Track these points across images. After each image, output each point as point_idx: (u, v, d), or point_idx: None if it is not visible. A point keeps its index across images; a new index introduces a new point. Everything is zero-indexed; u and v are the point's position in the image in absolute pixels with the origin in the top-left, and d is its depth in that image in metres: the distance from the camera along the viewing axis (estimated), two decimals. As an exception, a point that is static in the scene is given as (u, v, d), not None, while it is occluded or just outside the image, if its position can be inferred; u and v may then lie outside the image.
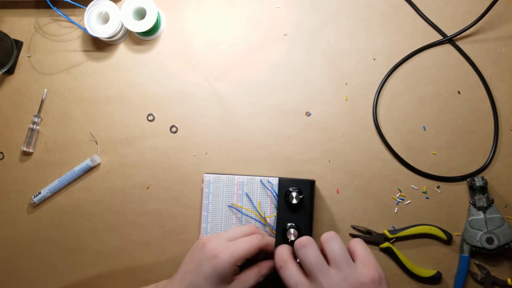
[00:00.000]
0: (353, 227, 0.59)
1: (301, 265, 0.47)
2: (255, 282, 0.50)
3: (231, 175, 0.60)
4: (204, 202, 0.60)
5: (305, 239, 0.48)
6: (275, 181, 0.59)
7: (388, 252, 0.58)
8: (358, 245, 0.48)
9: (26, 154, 0.65)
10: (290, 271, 0.46)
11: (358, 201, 0.60)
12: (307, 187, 0.56)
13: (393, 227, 0.59)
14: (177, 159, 0.63)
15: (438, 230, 0.57)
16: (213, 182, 0.60)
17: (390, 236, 0.58)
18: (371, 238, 0.58)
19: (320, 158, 0.62)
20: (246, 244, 0.49)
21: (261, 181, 0.59)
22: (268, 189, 0.59)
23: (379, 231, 0.59)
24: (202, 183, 0.61)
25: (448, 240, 0.57)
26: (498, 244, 0.55)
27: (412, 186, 0.60)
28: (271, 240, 0.54)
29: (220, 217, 0.60)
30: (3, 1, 0.67)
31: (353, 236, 0.59)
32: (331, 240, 0.47)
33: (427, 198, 0.60)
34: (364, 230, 0.59)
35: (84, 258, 0.63)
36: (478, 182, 0.57)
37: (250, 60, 0.64)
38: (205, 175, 0.60)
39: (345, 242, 0.59)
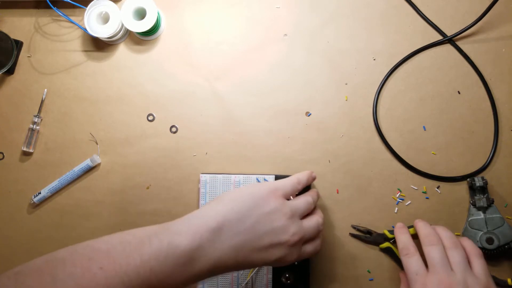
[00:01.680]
0: (353, 227, 0.59)
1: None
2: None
3: (227, 175, 0.60)
4: (201, 202, 0.60)
5: (435, 237, 0.51)
6: (271, 179, 0.59)
7: (388, 252, 0.58)
8: (476, 259, 0.51)
9: (26, 154, 0.65)
10: (416, 261, 0.51)
11: (358, 201, 0.60)
12: None
13: (393, 227, 0.59)
14: (177, 159, 0.63)
15: None
16: (210, 182, 0.60)
17: (390, 236, 0.57)
18: (371, 238, 0.58)
19: (320, 158, 0.62)
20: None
21: (257, 179, 0.59)
22: None
23: (379, 231, 0.59)
24: (199, 183, 0.61)
25: None
26: (498, 244, 0.55)
27: (412, 186, 0.60)
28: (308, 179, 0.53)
29: None
30: (3, 1, 0.67)
31: (353, 236, 0.59)
32: (457, 247, 0.51)
33: (427, 198, 0.60)
34: (364, 230, 0.59)
35: (84, 258, 0.62)
36: (478, 182, 0.57)
37: (250, 60, 0.64)
38: (201, 175, 0.60)
39: (345, 243, 0.59)
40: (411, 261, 0.51)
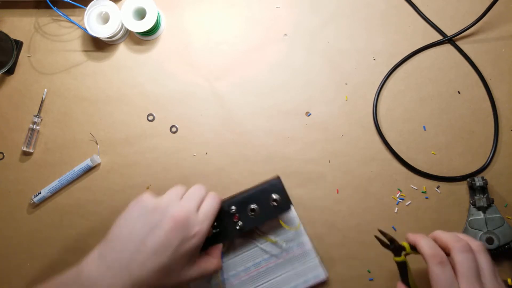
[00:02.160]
0: (380, 231, 0.52)
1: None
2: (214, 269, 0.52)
3: None
4: None
5: (467, 248, 0.46)
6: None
7: (401, 267, 0.50)
8: (486, 265, 0.47)
9: (26, 154, 0.65)
10: (450, 270, 0.44)
11: (358, 201, 0.60)
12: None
13: (393, 227, 0.59)
14: (177, 159, 0.63)
15: None
16: None
17: (409, 251, 0.50)
18: (391, 247, 0.51)
19: (320, 158, 0.62)
20: (212, 216, 0.50)
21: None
22: None
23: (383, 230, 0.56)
24: None
25: None
26: (498, 244, 0.55)
27: (412, 186, 0.60)
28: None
29: None
30: (3, 1, 0.67)
31: (377, 238, 0.52)
32: (481, 254, 0.46)
33: (426, 198, 0.60)
34: (389, 237, 0.51)
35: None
36: (478, 182, 0.57)
37: (250, 60, 0.64)
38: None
39: (345, 244, 0.59)
40: (446, 271, 0.44)
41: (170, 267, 0.47)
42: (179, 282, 0.49)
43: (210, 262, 0.52)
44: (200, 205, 0.52)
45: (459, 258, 0.44)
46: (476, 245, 0.46)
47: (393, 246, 0.50)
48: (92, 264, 0.48)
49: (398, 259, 0.50)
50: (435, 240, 0.48)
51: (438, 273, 0.44)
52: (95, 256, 0.48)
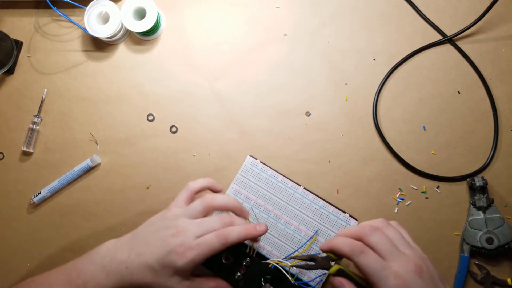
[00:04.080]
0: (293, 257, 0.51)
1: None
2: None
3: (278, 175, 0.60)
4: (232, 186, 0.61)
5: (370, 227, 0.47)
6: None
7: (343, 275, 0.46)
8: (395, 236, 0.47)
9: (26, 154, 0.65)
10: (372, 256, 0.45)
11: (358, 201, 0.60)
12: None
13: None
14: (177, 159, 0.63)
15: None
16: (254, 171, 0.60)
17: (335, 257, 0.48)
18: (317, 265, 0.49)
19: (320, 158, 0.62)
20: (209, 247, 0.49)
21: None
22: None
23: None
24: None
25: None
26: (498, 244, 0.55)
27: (412, 186, 0.60)
28: (237, 236, 0.51)
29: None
30: (3, 1, 0.67)
31: (298, 267, 0.50)
32: (388, 228, 0.47)
33: (426, 198, 0.60)
34: (307, 257, 0.50)
35: (84, 258, 0.62)
36: (478, 182, 0.57)
37: (250, 60, 0.64)
38: (249, 157, 0.61)
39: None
40: (370, 257, 0.44)
41: (155, 269, 0.49)
42: None
43: (205, 284, 0.51)
44: (205, 234, 0.51)
45: (372, 240, 0.45)
46: (379, 221, 0.48)
47: (318, 263, 0.49)
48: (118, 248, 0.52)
49: (332, 271, 0.47)
50: (348, 234, 0.48)
51: (365, 262, 0.44)
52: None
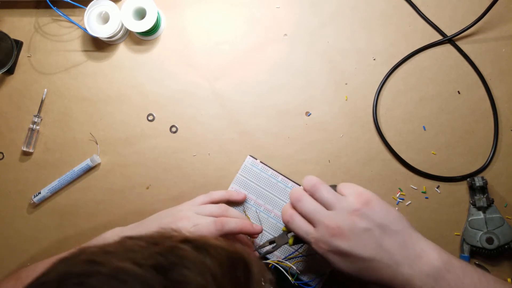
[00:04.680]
0: (257, 250, 0.56)
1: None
2: None
3: (278, 175, 0.60)
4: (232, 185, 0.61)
5: (297, 193, 0.49)
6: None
7: (301, 242, 0.53)
8: (343, 185, 0.50)
9: (26, 154, 0.65)
10: (298, 223, 0.49)
11: (358, 201, 0.60)
12: None
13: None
14: (177, 159, 0.63)
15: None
16: (254, 171, 0.60)
17: (285, 229, 0.53)
18: (278, 244, 0.54)
19: (320, 158, 0.62)
20: (205, 232, 0.51)
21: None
22: None
23: None
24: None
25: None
26: (498, 244, 0.55)
27: (412, 186, 0.60)
28: (234, 226, 0.53)
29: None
30: (3, 1, 0.67)
31: (264, 254, 0.55)
32: (317, 188, 0.49)
33: (426, 198, 0.60)
34: (265, 243, 0.55)
35: (84, 258, 0.62)
36: (478, 182, 0.57)
37: (250, 60, 0.64)
38: (249, 157, 0.61)
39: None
40: (296, 225, 0.48)
41: None
42: None
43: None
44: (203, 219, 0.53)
45: (298, 208, 0.49)
46: (307, 183, 0.49)
47: (278, 241, 0.54)
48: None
49: (290, 242, 0.52)
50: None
51: (294, 228, 0.49)
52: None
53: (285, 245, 0.54)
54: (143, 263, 0.26)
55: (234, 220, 0.53)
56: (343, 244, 0.44)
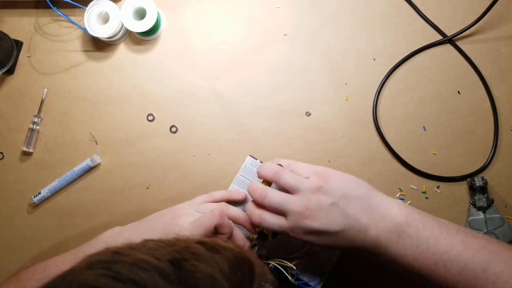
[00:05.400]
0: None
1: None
2: None
3: None
4: (232, 185, 0.61)
5: (260, 189, 0.50)
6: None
7: (262, 235, 0.55)
8: (300, 166, 0.51)
9: (26, 154, 0.65)
10: (269, 220, 0.49)
11: (358, 201, 0.60)
12: None
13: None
14: (177, 159, 0.63)
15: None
16: (254, 171, 0.60)
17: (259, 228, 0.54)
18: (260, 239, 0.55)
19: (320, 158, 0.62)
20: (200, 226, 0.51)
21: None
22: None
23: None
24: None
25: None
26: (498, 244, 0.55)
27: (411, 186, 0.60)
28: (228, 224, 0.53)
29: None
30: (3, 1, 0.67)
31: (255, 249, 0.56)
32: (280, 175, 0.49)
33: (426, 198, 0.60)
34: (250, 245, 0.57)
35: (84, 258, 0.62)
36: (478, 182, 0.57)
37: (250, 60, 0.64)
38: (248, 157, 0.61)
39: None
40: (268, 221, 0.49)
41: None
42: None
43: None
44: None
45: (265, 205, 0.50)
46: (277, 165, 0.51)
47: (259, 238, 0.56)
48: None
49: (270, 238, 0.54)
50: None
51: (266, 226, 0.49)
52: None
53: (268, 241, 0.55)
54: (161, 258, 0.30)
55: (229, 222, 0.54)
56: (315, 223, 0.46)
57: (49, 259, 0.56)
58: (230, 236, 0.54)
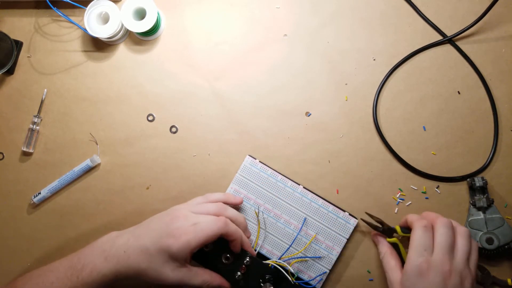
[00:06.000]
0: (367, 214, 0.57)
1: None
2: (199, 285, 0.52)
3: (277, 174, 0.60)
4: (232, 186, 0.61)
5: (445, 223, 0.51)
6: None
7: (395, 247, 0.55)
8: (474, 252, 0.51)
9: (26, 154, 0.65)
10: (430, 237, 0.50)
11: (358, 201, 0.60)
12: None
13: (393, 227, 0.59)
14: (177, 159, 0.63)
15: None
16: (253, 171, 0.60)
17: (400, 233, 0.54)
18: (381, 229, 0.55)
19: (320, 158, 0.62)
20: (204, 232, 0.51)
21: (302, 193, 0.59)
22: None
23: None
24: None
25: None
26: (498, 244, 0.55)
27: (412, 186, 0.60)
28: (235, 229, 0.53)
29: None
30: (3, 1, 0.67)
31: (364, 221, 0.56)
32: (464, 236, 0.50)
33: (426, 198, 0.60)
34: (377, 220, 0.56)
35: (84, 258, 0.62)
36: (478, 182, 0.57)
37: (250, 60, 0.64)
38: (248, 157, 0.61)
39: (350, 244, 0.59)
40: (426, 235, 0.50)
41: (151, 253, 0.50)
42: (160, 274, 0.50)
43: (200, 275, 0.52)
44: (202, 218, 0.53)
45: (440, 230, 0.50)
46: (462, 229, 0.51)
47: (383, 229, 0.55)
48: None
49: (390, 240, 0.55)
50: (424, 216, 0.54)
51: (419, 234, 0.50)
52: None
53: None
54: None
55: (235, 227, 0.53)
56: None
57: (46, 265, 0.55)
58: (238, 241, 0.53)
